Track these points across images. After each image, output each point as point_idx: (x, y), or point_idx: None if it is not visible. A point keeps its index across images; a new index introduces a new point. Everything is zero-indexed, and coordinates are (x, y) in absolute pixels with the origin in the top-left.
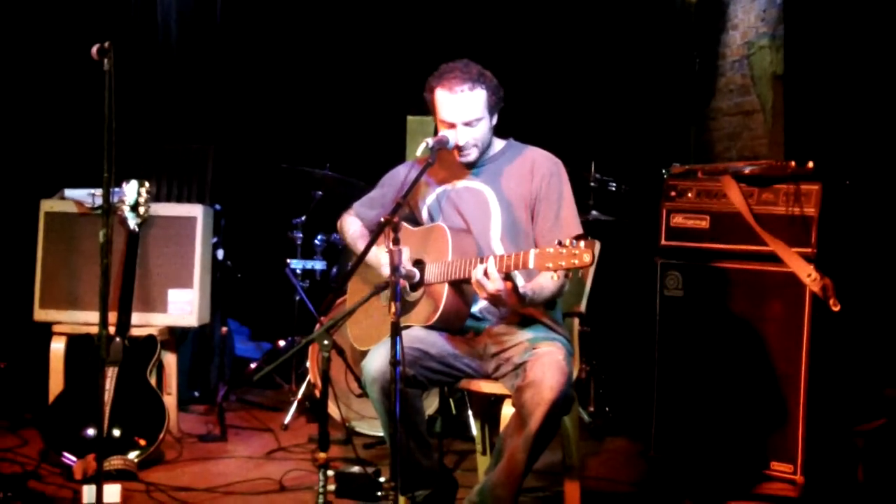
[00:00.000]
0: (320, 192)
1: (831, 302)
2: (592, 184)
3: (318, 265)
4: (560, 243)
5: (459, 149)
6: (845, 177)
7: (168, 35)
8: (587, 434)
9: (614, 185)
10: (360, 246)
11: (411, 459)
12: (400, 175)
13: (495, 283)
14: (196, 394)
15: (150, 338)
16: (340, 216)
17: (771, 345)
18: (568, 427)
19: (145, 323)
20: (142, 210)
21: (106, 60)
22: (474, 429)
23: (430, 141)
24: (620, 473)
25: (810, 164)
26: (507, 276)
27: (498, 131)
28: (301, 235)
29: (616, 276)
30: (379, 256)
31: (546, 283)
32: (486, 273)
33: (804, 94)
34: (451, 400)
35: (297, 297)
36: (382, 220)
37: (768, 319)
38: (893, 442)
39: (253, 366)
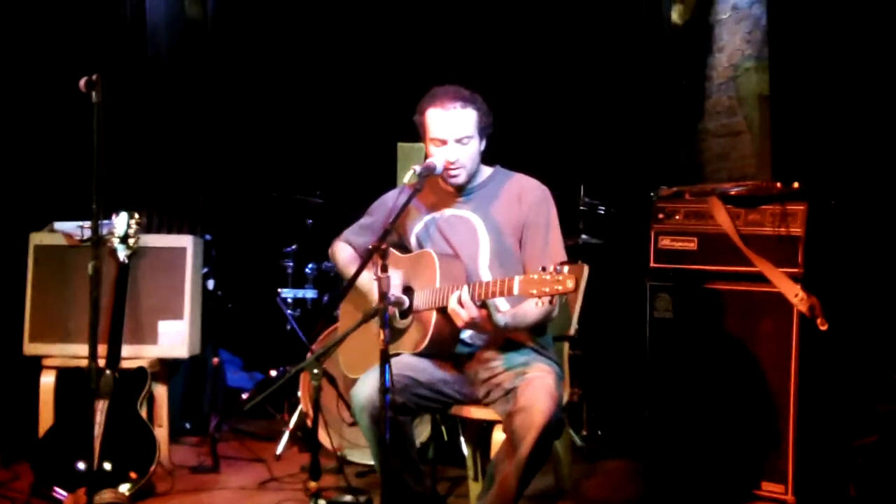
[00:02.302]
0: (311, 221)
1: (819, 321)
2: (582, 207)
3: (310, 294)
4: (544, 269)
5: (448, 168)
6: (831, 197)
7: (159, 65)
8: (580, 457)
9: (604, 208)
10: (350, 272)
11: (403, 487)
12: (389, 201)
13: (470, 311)
14: (188, 425)
15: (141, 370)
16: (331, 243)
17: (760, 364)
18: (559, 451)
19: (136, 355)
20: (132, 241)
21: (94, 93)
22: (466, 455)
23: (418, 167)
24: (614, 496)
25: (796, 185)
26: (483, 304)
27: (486, 158)
28: (292, 264)
29: (606, 299)
30: (370, 283)
31: (529, 309)
32: (460, 301)
33: (790, 114)
34: (443, 426)
35: (289, 327)
36: (371, 246)
37: (757, 339)
38: (885, 458)
39: (245, 396)
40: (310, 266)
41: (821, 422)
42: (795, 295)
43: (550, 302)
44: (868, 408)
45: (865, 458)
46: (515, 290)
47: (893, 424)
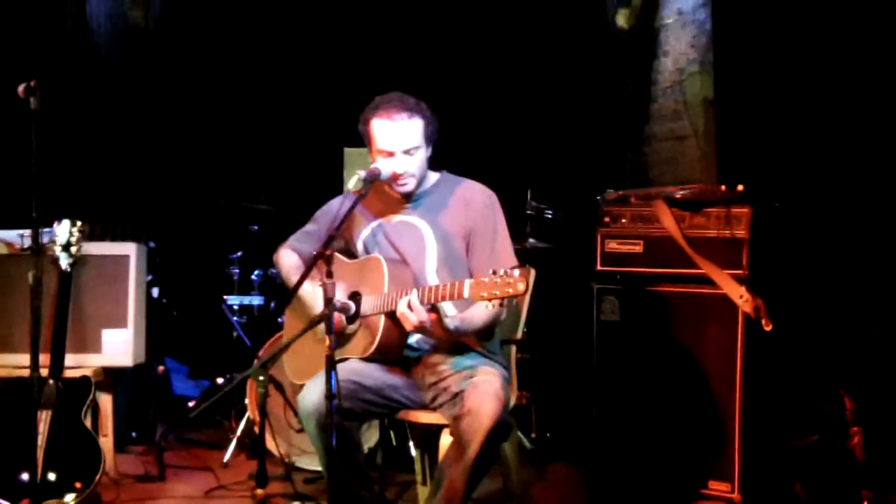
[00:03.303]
0: (257, 227)
1: (763, 322)
2: (529, 212)
3: (256, 300)
4: (495, 272)
5: (396, 178)
6: (775, 199)
7: (101, 71)
8: (529, 460)
9: (551, 212)
10: (295, 279)
11: (350, 493)
12: (334, 208)
13: (419, 315)
14: (134, 434)
15: (85, 379)
16: (276, 250)
17: (706, 365)
18: (508, 454)
19: (79, 364)
20: (74, 250)
21: (32, 99)
22: (415, 459)
23: (363, 173)
24: (563, 498)
25: (740, 188)
26: (433, 308)
27: (432, 164)
28: (238, 271)
29: (554, 303)
30: (312, 294)
31: (478, 312)
32: (409, 305)
33: (735, 118)
34: (391, 431)
35: (235, 334)
36: (315, 252)
37: (703, 341)
38: (830, 457)
39: (191, 404)
40: (256, 273)
41: (766, 421)
42: (740, 296)
43: (501, 305)
44: (812, 407)
45: (809, 458)
46: (466, 294)
47: (835, 424)
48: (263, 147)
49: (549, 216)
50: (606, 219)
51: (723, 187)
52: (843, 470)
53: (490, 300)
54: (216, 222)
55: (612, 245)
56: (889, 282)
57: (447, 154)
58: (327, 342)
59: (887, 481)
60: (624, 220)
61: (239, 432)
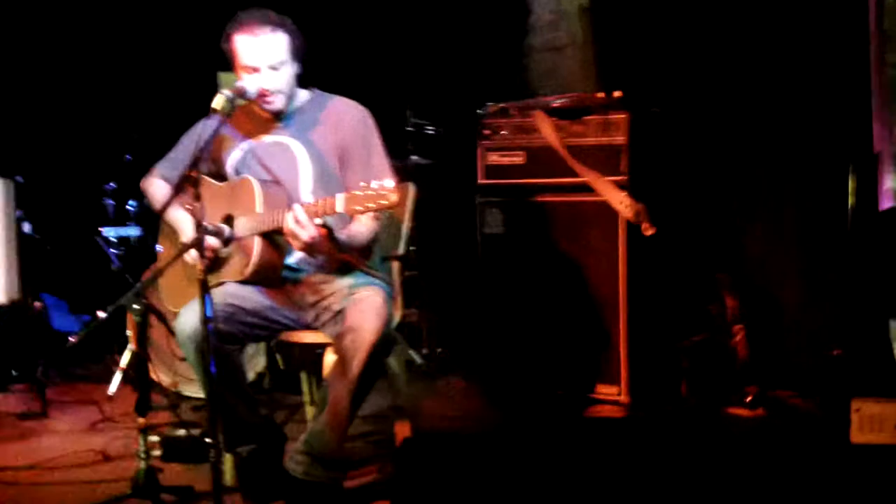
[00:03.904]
0: (130, 156)
1: (644, 226)
2: (409, 129)
3: (134, 232)
4: (367, 185)
5: (264, 96)
6: (653, 105)
7: None
8: (422, 376)
9: (432, 128)
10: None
11: (233, 416)
12: (199, 131)
13: (308, 231)
14: (14, 373)
15: None
16: (143, 180)
17: (591, 272)
18: (395, 370)
19: None
20: None
21: None
22: (301, 380)
23: (228, 92)
24: (452, 411)
25: (617, 94)
26: (323, 224)
27: (301, 81)
28: (113, 202)
29: (439, 219)
30: (182, 219)
31: (360, 228)
32: (297, 220)
33: (611, 26)
34: (278, 355)
35: (114, 266)
36: (182, 175)
37: (587, 248)
38: (713, 355)
39: (73, 339)
40: (131, 203)
41: (651, 324)
42: (621, 202)
43: (376, 218)
44: (697, 308)
45: (694, 357)
46: (339, 208)
47: (720, 324)
48: (135, 74)
49: (430, 132)
50: (487, 131)
51: (600, 94)
52: (727, 367)
53: (364, 213)
54: (88, 153)
55: (494, 158)
56: (764, 181)
57: (323, 72)
58: (200, 266)
59: (769, 377)
60: (504, 133)
61: (123, 364)
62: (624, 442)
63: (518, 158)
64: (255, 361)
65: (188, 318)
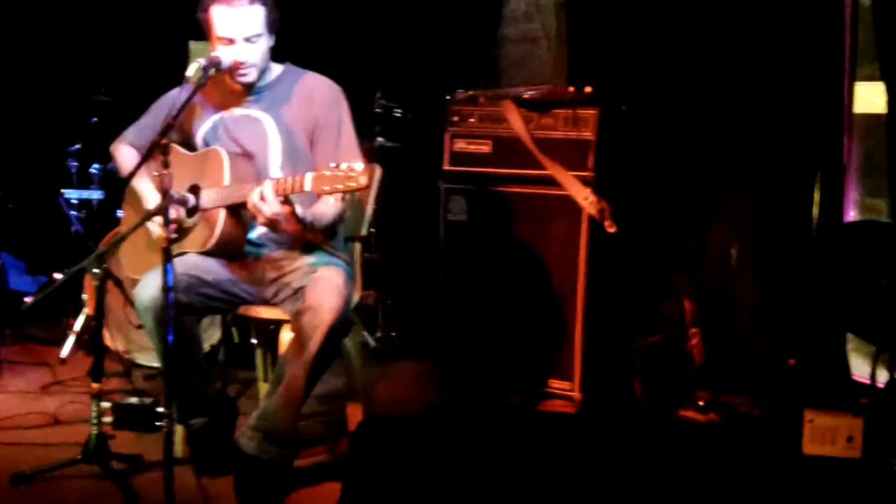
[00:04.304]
0: (96, 119)
1: (607, 224)
2: (378, 110)
3: (96, 195)
4: (337, 166)
5: (237, 68)
6: (622, 102)
7: None
8: (375, 359)
9: (400, 111)
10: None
11: (188, 388)
12: (170, 99)
13: (272, 207)
14: None
15: None
16: (112, 145)
17: (551, 266)
18: (350, 351)
19: None
20: None
21: None
22: (256, 356)
23: (203, 61)
24: (405, 395)
25: (588, 89)
26: (287, 201)
27: (277, 56)
28: (76, 164)
29: (402, 203)
30: (148, 186)
31: (326, 209)
32: (262, 196)
33: (585, 21)
34: (234, 329)
35: (74, 229)
36: (151, 142)
37: (548, 242)
38: (667, 357)
39: (28, 300)
40: (95, 166)
41: (607, 322)
42: (585, 198)
43: (343, 199)
44: (653, 308)
45: (648, 357)
46: (307, 187)
47: (676, 325)
48: (105, 36)
49: (399, 115)
50: (455, 118)
51: (571, 89)
52: (681, 370)
53: (332, 194)
54: (54, 113)
55: (461, 145)
56: (728, 185)
57: (294, 46)
58: (164, 234)
59: (722, 382)
60: (472, 120)
61: (77, 328)
62: (574, 438)
63: (485, 147)
64: (209, 333)
65: (148, 286)
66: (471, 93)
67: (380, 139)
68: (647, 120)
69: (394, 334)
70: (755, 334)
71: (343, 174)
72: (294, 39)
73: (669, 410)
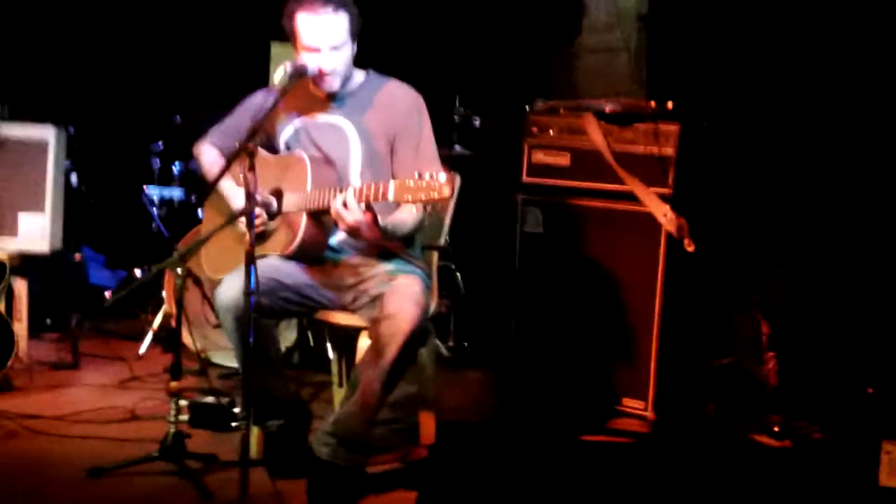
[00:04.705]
0: (179, 118)
1: (685, 242)
2: (456, 118)
3: (176, 193)
4: (420, 175)
5: (321, 76)
6: (703, 118)
7: None
8: (445, 367)
9: (478, 119)
10: (215, 173)
11: (265, 390)
12: (256, 102)
13: (354, 214)
14: (48, 322)
15: None
16: (195, 144)
17: (626, 283)
18: (424, 359)
19: None
20: None
21: None
22: (332, 361)
23: (289, 67)
24: (475, 406)
25: (670, 105)
26: (369, 208)
27: (359, 62)
28: (159, 162)
29: (478, 212)
30: (232, 188)
31: (406, 216)
32: (345, 204)
33: (666, 34)
34: (308, 332)
35: (154, 225)
36: (238, 145)
37: (624, 257)
38: (741, 379)
39: (108, 294)
40: (177, 164)
41: (682, 341)
42: (664, 215)
43: (425, 209)
44: (727, 329)
45: (722, 379)
46: (391, 195)
47: (751, 348)
48: (189, 38)
49: (476, 124)
50: (534, 129)
51: (652, 103)
52: (755, 393)
53: (414, 203)
54: (138, 111)
55: (539, 156)
56: (813, 207)
57: (374, 54)
58: (248, 237)
59: (796, 407)
60: (551, 132)
61: (155, 325)
62: (646, 458)
63: (563, 159)
64: (285, 335)
65: (230, 288)
66: (550, 104)
67: (457, 147)
68: (727, 137)
69: (465, 344)
70: (831, 360)
71: (426, 184)
72: (375, 46)
73: (743, 434)
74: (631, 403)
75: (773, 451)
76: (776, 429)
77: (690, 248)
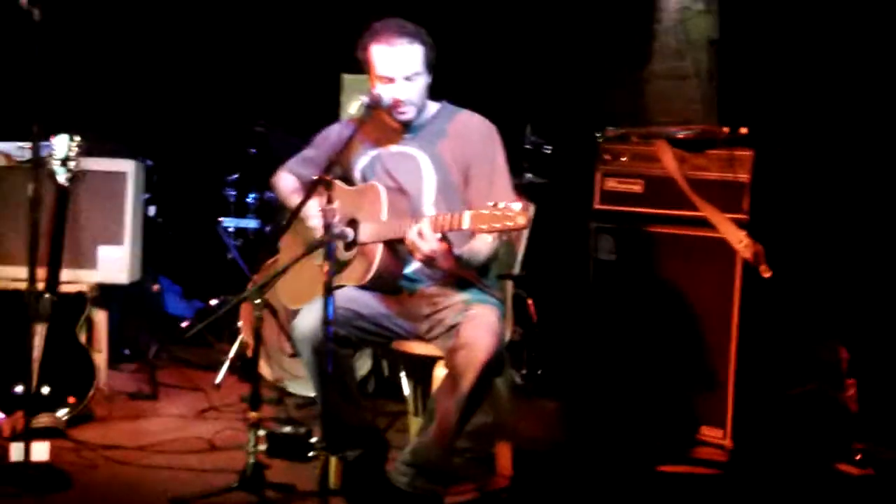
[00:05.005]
0: (254, 150)
1: (762, 268)
2: (527, 146)
3: (252, 224)
4: (495, 205)
5: (396, 106)
6: (777, 143)
7: None
8: (519, 396)
9: (549, 147)
10: (293, 203)
11: (342, 420)
12: (333, 133)
13: (430, 244)
14: (127, 352)
15: (80, 294)
16: (274, 173)
17: (702, 310)
18: (500, 388)
19: (75, 279)
20: (72, 164)
21: (35, 10)
22: (406, 390)
23: (365, 99)
24: (551, 435)
25: (743, 130)
26: (444, 238)
27: (432, 94)
28: (234, 193)
29: (550, 240)
30: (309, 209)
31: (481, 246)
32: (420, 233)
33: (738, 59)
34: (383, 361)
35: (230, 256)
36: (315, 177)
37: (700, 284)
38: (823, 407)
39: (184, 324)
40: (252, 196)
41: (760, 368)
42: (740, 241)
43: (500, 238)
44: (808, 357)
45: (802, 407)
46: (466, 225)
47: (831, 374)
48: (262, 71)
49: (548, 151)
50: (606, 156)
51: (725, 129)
52: (836, 421)
53: (490, 232)
54: (214, 144)
55: (612, 183)
56: (889, 230)
57: (447, 85)
58: (325, 268)
59: (879, 434)
60: (624, 159)
61: (231, 354)
62: (725, 488)
63: (636, 186)
64: (359, 364)
65: (308, 318)
66: (622, 130)
67: (528, 175)
68: (804, 161)
69: (539, 372)
70: None
71: (501, 213)
72: (447, 76)
73: (825, 463)
74: (709, 432)
75: (857, 479)
76: (858, 456)
77: (767, 275)
